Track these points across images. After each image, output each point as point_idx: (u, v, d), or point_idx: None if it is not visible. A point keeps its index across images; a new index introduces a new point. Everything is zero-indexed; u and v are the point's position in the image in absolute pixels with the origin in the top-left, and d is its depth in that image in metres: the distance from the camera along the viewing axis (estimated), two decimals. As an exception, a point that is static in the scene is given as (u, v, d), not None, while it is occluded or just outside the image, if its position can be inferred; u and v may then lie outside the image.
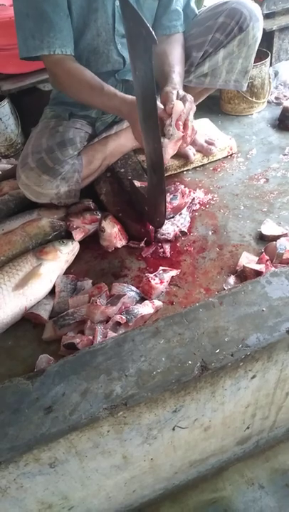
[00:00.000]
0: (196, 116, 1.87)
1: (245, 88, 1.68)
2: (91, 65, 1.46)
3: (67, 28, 1.32)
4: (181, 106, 1.22)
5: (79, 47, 1.42)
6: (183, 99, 1.25)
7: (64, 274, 1.38)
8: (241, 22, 1.46)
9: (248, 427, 1.11)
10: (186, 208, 1.52)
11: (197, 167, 1.78)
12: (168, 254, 1.42)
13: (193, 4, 1.60)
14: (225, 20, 1.48)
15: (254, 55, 1.59)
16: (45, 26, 1.28)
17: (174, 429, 0.93)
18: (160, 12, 1.51)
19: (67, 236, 1.49)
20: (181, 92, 1.29)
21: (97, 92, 1.34)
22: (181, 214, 1.50)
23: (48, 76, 1.51)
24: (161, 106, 1.24)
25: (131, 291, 1.26)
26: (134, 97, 1.30)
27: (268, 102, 2.13)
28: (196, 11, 1.61)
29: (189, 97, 1.27)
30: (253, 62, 1.62)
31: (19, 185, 1.49)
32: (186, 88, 1.61)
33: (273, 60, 2.31)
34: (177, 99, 1.25)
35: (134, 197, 1.52)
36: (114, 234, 1.44)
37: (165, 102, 1.25)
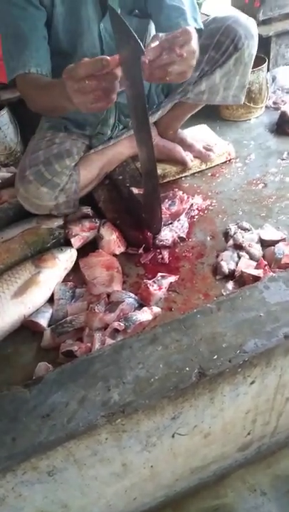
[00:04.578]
0: (194, 122, 1.90)
1: (242, 101, 1.67)
2: None
3: (44, 49, 1.27)
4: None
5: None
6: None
7: (63, 281, 1.39)
8: (236, 41, 1.45)
9: (248, 433, 1.10)
10: (184, 213, 1.52)
11: (195, 173, 1.79)
12: (166, 260, 1.42)
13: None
14: (220, 38, 1.47)
15: (250, 70, 1.58)
16: (21, 45, 1.23)
17: (173, 436, 0.93)
18: (156, 13, 1.32)
19: (66, 244, 1.49)
20: None
21: (45, 89, 1.21)
22: (179, 220, 1.50)
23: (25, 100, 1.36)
24: None
25: (129, 298, 1.26)
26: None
27: (266, 107, 2.14)
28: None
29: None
30: (249, 76, 1.60)
31: (18, 198, 1.49)
32: (183, 103, 1.63)
33: (271, 65, 2.32)
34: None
35: (131, 204, 1.52)
36: (112, 241, 1.45)
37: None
